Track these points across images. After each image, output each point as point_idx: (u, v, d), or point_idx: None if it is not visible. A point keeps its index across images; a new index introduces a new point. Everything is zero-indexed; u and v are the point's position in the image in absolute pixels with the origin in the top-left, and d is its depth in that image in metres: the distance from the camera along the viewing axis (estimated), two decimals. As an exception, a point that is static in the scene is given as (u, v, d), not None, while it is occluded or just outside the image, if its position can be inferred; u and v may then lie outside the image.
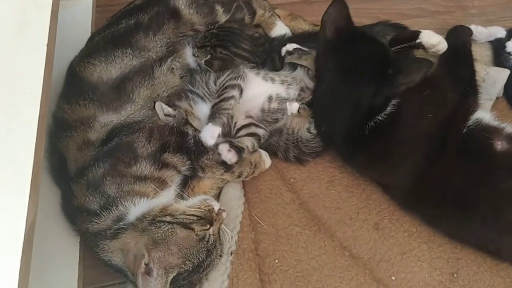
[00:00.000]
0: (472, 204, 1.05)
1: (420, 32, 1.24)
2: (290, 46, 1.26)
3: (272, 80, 1.23)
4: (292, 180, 1.21)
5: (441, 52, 1.24)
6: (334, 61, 1.12)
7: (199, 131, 1.13)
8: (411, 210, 1.16)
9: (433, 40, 1.21)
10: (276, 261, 1.08)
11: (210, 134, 1.09)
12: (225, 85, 1.17)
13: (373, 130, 1.09)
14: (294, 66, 1.29)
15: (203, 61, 1.22)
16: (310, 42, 1.29)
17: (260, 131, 1.19)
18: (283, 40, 1.35)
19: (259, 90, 1.21)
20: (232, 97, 1.15)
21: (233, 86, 1.17)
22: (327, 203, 1.18)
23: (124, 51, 1.16)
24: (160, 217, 0.93)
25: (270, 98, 1.21)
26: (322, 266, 1.08)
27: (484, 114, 1.13)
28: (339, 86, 1.11)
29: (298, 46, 1.26)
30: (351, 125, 1.11)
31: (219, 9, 1.27)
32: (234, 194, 1.14)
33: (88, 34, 1.37)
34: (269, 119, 1.21)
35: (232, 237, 1.06)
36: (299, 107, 1.18)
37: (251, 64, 1.25)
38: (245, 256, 1.05)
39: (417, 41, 1.23)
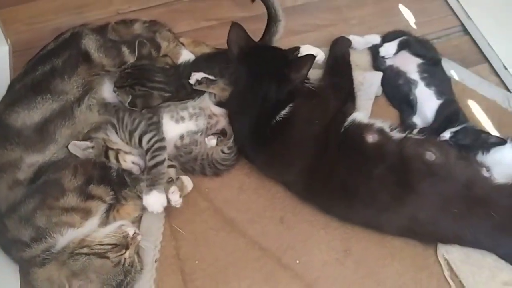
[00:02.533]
0: (354, 190, 1.26)
1: (299, 47, 1.45)
2: (199, 75, 1.42)
3: (183, 119, 1.37)
4: (207, 189, 1.38)
5: (320, 62, 1.45)
6: (243, 71, 1.33)
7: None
8: (309, 201, 1.35)
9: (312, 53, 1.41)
10: (196, 261, 1.25)
11: (160, 202, 1.19)
12: (154, 147, 1.25)
13: (272, 132, 1.29)
14: (201, 92, 1.44)
15: (127, 104, 1.32)
16: (209, 61, 1.47)
17: (175, 163, 1.34)
18: (187, 65, 1.50)
19: (172, 133, 1.35)
20: (165, 159, 1.24)
21: (163, 149, 1.26)
22: (239, 206, 1.36)
23: (44, 97, 1.29)
24: (78, 249, 1.06)
25: (181, 137, 1.35)
26: (237, 260, 1.26)
27: (357, 114, 1.35)
28: (248, 90, 1.32)
29: (206, 75, 1.42)
30: (257, 124, 1.31)
31: (125, 50, 1.41)
32: (155, 210, 1.29)
33: (8, 80, 1.48)
34: (182, 153, 1.35)
35: (155, 247, 1.22)
36: (216, 142, 1.34)
37: (167, 94, 1.39)
38: (168, 262, 1.22)
39: (299, 55, 1.44)
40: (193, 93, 1.43)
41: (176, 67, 1.53)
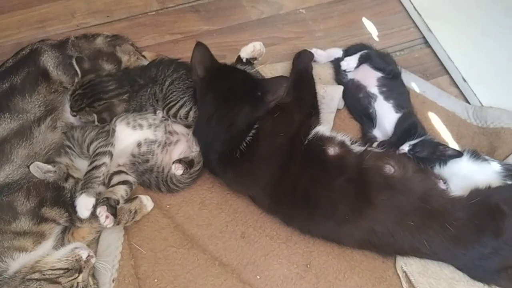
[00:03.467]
0: (315, 202, 1.27)
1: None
2: None
3: (141, 127, 1.36)
4: (168, 206, 1.37)
5: (262, 56, 1.47)
6: (210, 94, 1.31)
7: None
8: (274, 213, 1.36)
9: (249, 50, 1.45)
10: (156, 280, 1.24)
11: (85, 206, 1.16)
12: (96, 152, 1.25)
13: (240, 151, 1.29)
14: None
15: (96, 123, 1.31)
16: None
17: (130, 178, 1.33)
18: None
19: (128, 140, 1.34)
20: (103, 164, 1.23)
21: (104, 153, 1.25)
22: (200, 222, 1.35)
23: (2, 116, 1.27)
24: (29, 274, 1.05)
25: (139, 144, 1.34)
26: (196, 277, 1.25)
27: (320, 127, 1.36)
28: (216, 114, 1.30)
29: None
30: (225, 146, 1.30)
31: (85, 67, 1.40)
32: (114, 228, 1.28)
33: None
34: (139, 161, 1.34)
35: (113, 266, 1.21)
36: (182, 173, 1.31)
37: (126, 94, 1.38)
38: (126, 281, 1.21)
39: (243, 59, 1.46)
40: (147, 84, 1.42)
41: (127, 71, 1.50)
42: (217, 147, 1.30)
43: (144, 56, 1.61)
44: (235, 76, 1.35)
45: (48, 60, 1.39)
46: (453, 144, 1.55)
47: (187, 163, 1.32)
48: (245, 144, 1.27)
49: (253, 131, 1.29)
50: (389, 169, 1.28)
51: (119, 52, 1.53)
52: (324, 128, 1.37)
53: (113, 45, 1.55)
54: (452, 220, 1.22)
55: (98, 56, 1.47)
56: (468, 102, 1.66)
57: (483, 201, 1.24)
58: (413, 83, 1.66)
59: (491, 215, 1.23)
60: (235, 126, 1.29)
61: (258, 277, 1.28)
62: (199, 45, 1.33)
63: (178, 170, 1.29)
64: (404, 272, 1.30)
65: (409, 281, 1.29)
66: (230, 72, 1.37)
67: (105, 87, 1.37)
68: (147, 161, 1.35)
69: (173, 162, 1.31)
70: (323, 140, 1.32)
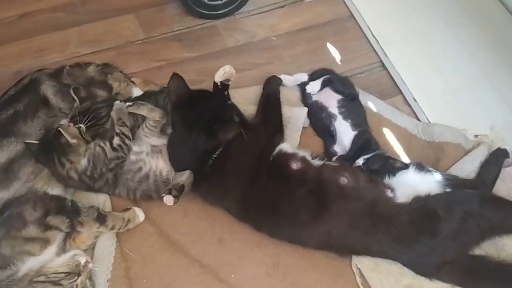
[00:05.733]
0: (281, 210, 1.47)
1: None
2: (130, 102, 1.61)
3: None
4: (154, 215, 1.57)
5: (233, 76, 1.62)
6: (180, 117, 1.51)
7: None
8: (245, 221, 1.55)
9: (220, 74, 1.60)
10: (144, 280, 1.44)
11: None
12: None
13: (211, 166, 1.49)
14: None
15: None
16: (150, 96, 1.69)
17: None
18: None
19: None
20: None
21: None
22: (182, 229, 1.55)
23: (9, 140, 1.46)
24: (36, 277, 1.24)
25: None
26: (179, 277, 1.45)
27: (284, 145, 1.57)
28: (183, 136, 1.50)
29: (136, 101, 1.61)
30: (195, 163, 1.50)
31: (82, 95, 1.60)
32: (108, 235, 1.48)
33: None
34: (134, 169, 1.51)
35: (107, 268, 1.41)
36: (174, 201, 1.43)
37: None
38: (119, 281, 1.41)
39: (218, 83, 1.61)
40: None
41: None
42: (187, 165, 1.50)
43: (133, 82, 1.81)
44: (203, 105, 1.50)
45: (48, 89, 1.59)
46: (404, 157, 1.76)
47: (178, 189, 1.44)
48: (214, 160, 1.48)
49: (221, 149, 1.48)
50: (344, 180, 1.49)
51: (110, 79, 1.72)
52: (287, 146, 1.58)
53: (105, 73, 1.75)
54: (396, 223, 1.42)
55: (91, 83, 1.67)
56: (419, 119, 1.87)
57: (422, 207, 1.45)
58: (371, 102, 1.88)
59: (429, 219, 1.43)
60: (199, 148, 1.48)
61: (233, 275, 1.48)
62: (174, 76, 1.52)
63: (169, 203, 1.42)
64: (358, 269, 1.50)
65: (362, 276, 1.49)
66: (201, 101, 1.52)
67: (100, 113, 1.57)
68: (140, 169, 1.53)
69: (163, 194, 1.43)
70: (286, 156, 1.53)
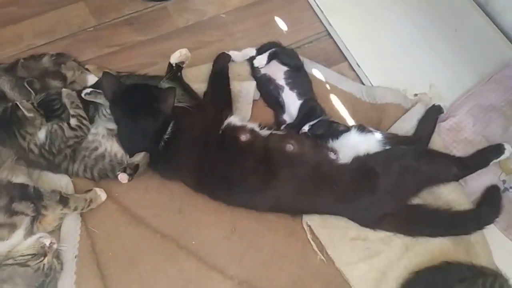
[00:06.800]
0: (233, 180, 1.58)
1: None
2: (88, 90, 1.71)
3: None
4: (116, 194, 1.67)
5: (188, 59, 1.76)
6: (120, 110, 1.61)
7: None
8: (201, 192, 1.66)
9: (176, 56, 1.72)
10: (110, 253, 1.56)
11: None
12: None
13: (164, 144, 1.59)
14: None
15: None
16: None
17: None
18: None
19: None
20: None
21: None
22: (144, 204, 1.66)
23: None
24: (4, 261, 1.34)
25: None
26: (143, 248, 1.57)
27: (232, 118, 1.67)
28: (130, 125, 1.60)
29: (93, 89, 1.71)
30: (148, 145, 1.60)
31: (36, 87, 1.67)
32: (73, 216, 1.59)
33: None
34: (91, 147, 1.63)
35: (74, 246, 1.52)
36: (128, 181, 1.53)
37: None
38: (86, 257, 1.52)
39: (172, 64, 1.74)
40: None
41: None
42: (141, 148, 1.60)
43: (87, 69, 1.87)
44: (136, 94, 1.60)
45: (4, 84, 1.65)
46: (349, 120, 1.88)
47: (132, 168, 1.53)
48: (166, 139, 1.58)
49: (171, 127, 1.58)
50: (289, 147, 1.60)
51: (63, 69, 1.79)
52: (236, 119, 1.67)
53: (58, 63, 1.81)
54: (338, 183, 1.55)
55: (45, 75, 1.74)
56: (363, 83, 1.99)
57: (361, 166, 1.57)
58: (318, 71, 1.98)
59: (367, 176, 1.55)
60: (148, 132, 1.58)
61: (194, 242, 1.60)
62: (105, 74, 1.63)
63: (123, 181, 1.51)
64: (309, 226, 1.63)
65: (312, 232, 1.62)
66: (133, 91, 1.61)
67: (54, 106, 1.65)
68: (96, 148, 1.63)
69: (118, 172, 1.52)
70: (235, 129, 1.63)
